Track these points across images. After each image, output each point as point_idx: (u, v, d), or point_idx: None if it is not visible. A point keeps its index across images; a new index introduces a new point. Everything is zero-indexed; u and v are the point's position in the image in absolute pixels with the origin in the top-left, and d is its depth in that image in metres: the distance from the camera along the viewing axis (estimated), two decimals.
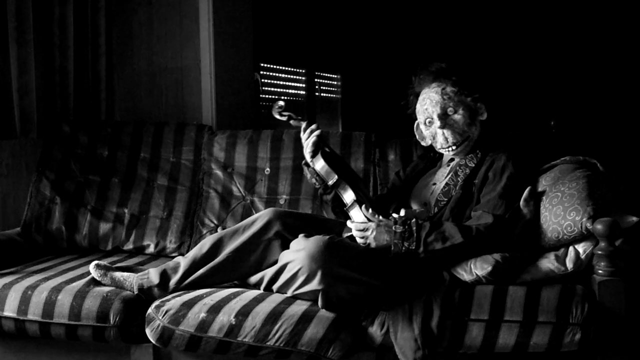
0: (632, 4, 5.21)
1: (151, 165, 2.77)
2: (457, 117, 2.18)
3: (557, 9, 5.48)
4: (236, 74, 3.31)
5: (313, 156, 2.17)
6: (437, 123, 2.18)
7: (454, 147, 2.19)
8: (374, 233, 2.01)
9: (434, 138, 2.22)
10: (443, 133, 2.18)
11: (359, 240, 2.05)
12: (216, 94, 3.13)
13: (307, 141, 2.18)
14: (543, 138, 2.56)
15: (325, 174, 2.16)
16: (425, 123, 2.23)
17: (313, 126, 2.19)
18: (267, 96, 4.39)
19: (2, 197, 2.78)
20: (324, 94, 5.36)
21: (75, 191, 2.72)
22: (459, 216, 2.10)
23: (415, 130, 2.31)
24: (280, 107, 2.25)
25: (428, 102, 2.20)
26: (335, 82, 5.63)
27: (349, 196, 2.11)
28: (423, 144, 2.30)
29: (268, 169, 2.68)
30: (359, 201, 2.09)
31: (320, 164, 2.15)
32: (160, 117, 3.18)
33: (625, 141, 4.87)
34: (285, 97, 4.71)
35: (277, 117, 2.26)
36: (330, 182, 2.15)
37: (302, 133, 2.21)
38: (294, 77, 4.86)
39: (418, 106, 2.25)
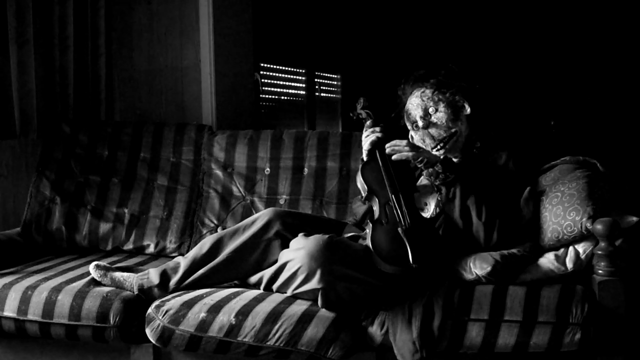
0: (632, 4, 5.21)
1: (151, 165, 2.77)
2: (439, 114, 2.19)
3: (557, 9, 5.48)
4: (236, 74, 3.31)
5: (368, 154, 2.19)
6: (421, 124, 2.20)
7: (442, 144, 2.19)
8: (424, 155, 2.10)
9: (424, 142, 2.22)
10: (429, 132, 2.20)
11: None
12: (216, 94, 3.13)
13: (366, 139, 2.19)
14: (543, 138, 2.56)
15: (360, 186, 2.21)
16: (413, 129, 2.25)
17: (377, 128, 2.17)
18: (267, 96, 4.38)
19: (2, 197, 2.78)
20: (324, 94, 5.35)
21: (75, 191, 2.72)
22: None
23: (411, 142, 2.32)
24: (359, 102, 2.28)
25: (411, 107, 2.23)
26: (335, 82, 5.63)
27: (375, 212, 2.12)
28: None
29: (268, 169, 2.68)
30: (377, 221, 2.08)
31: (359, 179, 2.19)
32: (160, 117, 3.18)
33: (625, 141, 4.87)
34: (285, 97, 4.71)
35: (356, 112, 2.29)
36: (363, 195, 2.19)
37: (364, 130, 2.21)
38: (294, 77, 4.85)
39: (405, 116, 2.27)
